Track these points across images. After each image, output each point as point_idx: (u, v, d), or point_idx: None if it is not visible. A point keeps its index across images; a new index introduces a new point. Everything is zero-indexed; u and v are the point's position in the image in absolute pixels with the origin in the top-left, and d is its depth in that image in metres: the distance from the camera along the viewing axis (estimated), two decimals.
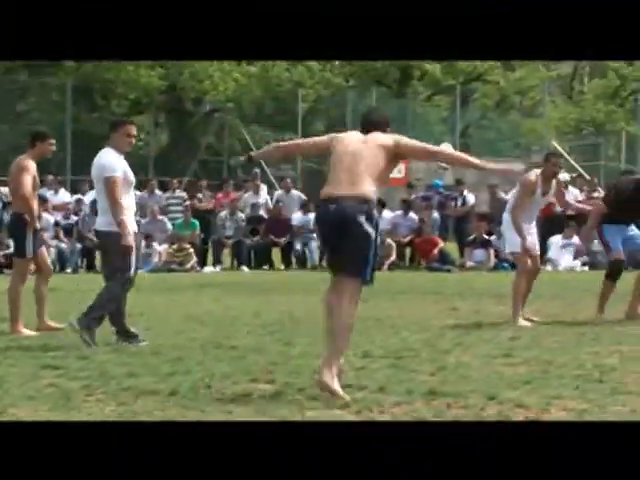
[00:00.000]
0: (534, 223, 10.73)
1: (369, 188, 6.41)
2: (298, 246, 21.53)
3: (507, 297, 13.05)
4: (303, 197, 22.85)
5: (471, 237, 20.55)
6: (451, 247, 21.44)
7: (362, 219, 6.31)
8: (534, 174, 10.58)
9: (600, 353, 7.98)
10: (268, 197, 23.12)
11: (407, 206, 21.76)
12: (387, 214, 21.69)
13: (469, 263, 20.14)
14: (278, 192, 24.03)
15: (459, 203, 22.05)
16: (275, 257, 21.71)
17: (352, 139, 6.68)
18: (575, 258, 19.80)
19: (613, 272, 10.65)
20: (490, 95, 38.51)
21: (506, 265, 19.77)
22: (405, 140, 6.71)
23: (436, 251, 20.22)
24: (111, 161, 8.68)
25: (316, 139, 7.09)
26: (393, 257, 20.57)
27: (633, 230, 10.78)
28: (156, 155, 33.07)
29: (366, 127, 6.81)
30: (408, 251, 21.40)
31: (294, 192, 23.19)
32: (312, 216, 21.98)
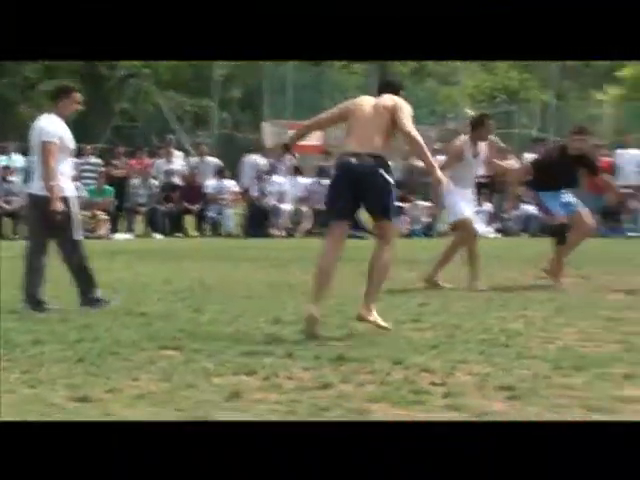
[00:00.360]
0: (470, 190, 10.89)
1: (381, 146, 7.32)
2: (212, 213, 21.42)
3: (418, 263, 13.17)
4: (219, 163, 22.72)
5: None
6: (366, 214, 21.47)
7: (381, 170, 7.26)
8: (459, 139, 10.74)
9: (507, 318, 8.08)
10: (183, 163, 22.95)
11: (323, 173, 21.74)
12: (303, 181, 21.69)
13: None
14: (193, 158, 23.87)
15: None
16: (188, 224, 21.58)
17: (365, 105, 7.49)
18: (487, 225, 20.02)
19: (559, 236, 10.74)
20: (406, 62, 38.60)
21: (418, 232, 19.95)
22: (400, 110, 7.38)
23: None
24: (49, 126, 8.70)
25: (332, 111, 7.82)
26: (308, 224, 20.58)
27: (567, 197, 10.86)
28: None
29: (381, 88, 7.67)
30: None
31: (209, 158, 23.04)
32: (227, 183, 21.89)
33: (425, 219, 20.31)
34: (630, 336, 7.19)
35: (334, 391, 5.45)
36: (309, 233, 20.45)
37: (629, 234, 19.56)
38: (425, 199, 21.14)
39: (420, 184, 21.89)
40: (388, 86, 7.72)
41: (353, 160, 7.31)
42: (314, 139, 27.42)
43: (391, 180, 7.34)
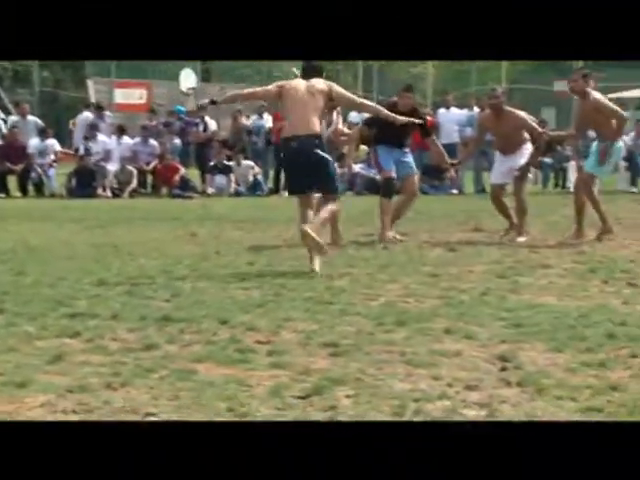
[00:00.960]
0: None
1: (317, 126, 8.46)
2: (35, 173, 20.91)
3: (246, 222, 13.23)
4: (40, 123, 22.17)
5: (212, 163, 20.55)
6: (193, 173, 21.39)
7: (318, 150, 8.40)
8: None
9: (332, 276, 8.18)
10: (2, 122, 22.31)
11: (148, 132, 21.48)
12: (127, 141, 21.38)
13: (210, 189, 20.16)
14: (13, 117, 23.21)
15: (200, 129, 21.96)
16: (11, 184, 21.02)
17: (299, 87, 8.55)
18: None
19: (385, 190, 11.01)
20: None
21: (244, 191, 19.97)
22: (336, 88, 8.73)
23: (177, 177, 20.10)
24: None
25: (268, 88, 8.91)
26: (134, 184, 20.33)
27: (407, 156, 11.21)
28: None
29: (308, 73, 8.65)
30: (150, 178, 21.18)
31: (30, 118, 22.45)
32: (50, 142, 21.36)
33: (251, 178, 20.33)
34: (450, 291, 7.39)
35: (159, 352, 5.43)
36: (135, 193, 20.19)
37: (451, 191, 20.03)
38: (253, 159, 21.17)
39: (247, 143, 21.92)
40: (315, 70, 8.67)
41: (293, 144, 8.46)
42: (138, 97, 27.14)
43: (328, 157, 8.56)
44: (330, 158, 8.62)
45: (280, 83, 8.82)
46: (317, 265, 8.30)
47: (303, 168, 8.49)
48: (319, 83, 8.58)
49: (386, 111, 9.47)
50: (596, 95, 10.62)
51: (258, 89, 9.31)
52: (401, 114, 10.71)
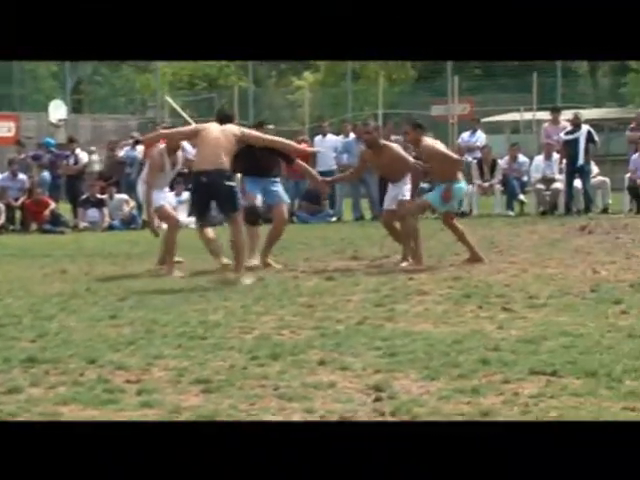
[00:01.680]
0: (166, 188, 11.45)
1: (225, 162, 9.69)
2: None
3: (119, 257, 12.97)
4: None
5: (84, 197, 20.15)
6: (64, 208, 20.92)
7: (225, 181, 9.69)
8: (157, 152, 10.91)
9: (206, 310, 8.01)
10: None
11: (16, 166, 20.95)
12: None
13: (82, 224, 19.75)
14: None
15: (71, 162, 21.52)
16: None
17: (213, 129, 9.91)
18: (189, 215, 19.91)
19: (248, 216, 10.84)
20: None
21: (118, 225, 19.60)
22: (246, 131, 10.34)
23: (48, 212, 19.63)
24: None
25: (188, 128, 10.93)
26: (1, 220, 19.76)
27: (276, 186, 11.38)
28: None
29: (222, 119, 10.21)
30: (18, 213, 20.59)
31: None
32: None
33: (126, 211, 19.98)
34: (326, 321, 7.31)
35: (23, 395, 5.23)
36: (2, 229, 19.54)
37: (329, 219, 19.99)
38: (127, 191, 20.81)
39: (123, 176, 21.51)
40: (228, 117, 10.36)
41: (203, 178, 9.68)
42: (5, 130, 26.57)
43: (233, 184, 9.88)
44: (235, 186, 9.95)
45: (197, 126, 10.45)
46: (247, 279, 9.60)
47: (212, 199, 9.84)
48: (232, 128, 9.98)
49: (296, 145, 11.15)
50: (428, 144, 10.95)
51: (182, 129, 11.07)
52: (259, 148, 10.78)
